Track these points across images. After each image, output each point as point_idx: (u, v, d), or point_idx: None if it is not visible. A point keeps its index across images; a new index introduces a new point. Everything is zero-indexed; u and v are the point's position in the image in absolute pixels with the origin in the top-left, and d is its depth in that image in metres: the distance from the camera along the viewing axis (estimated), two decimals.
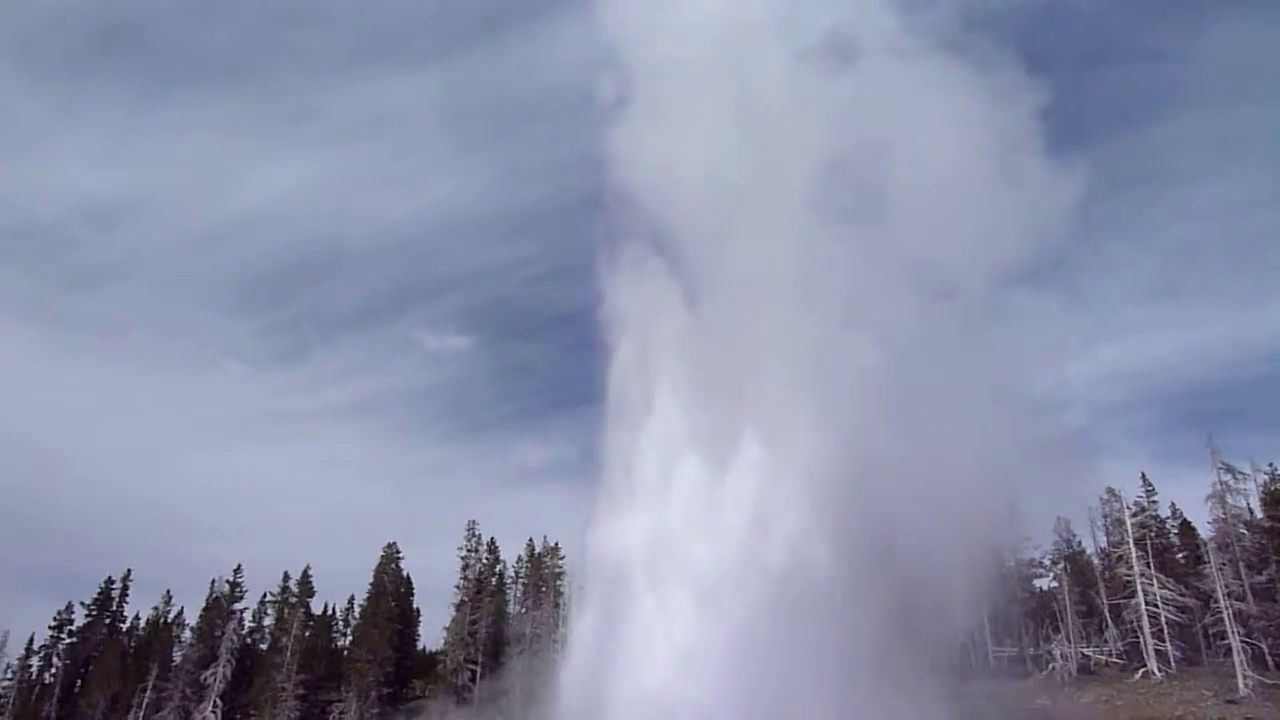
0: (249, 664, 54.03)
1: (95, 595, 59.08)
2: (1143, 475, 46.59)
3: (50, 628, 57.47)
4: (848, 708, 20.01)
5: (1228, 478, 42.05)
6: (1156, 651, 38.64)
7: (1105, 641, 42.44)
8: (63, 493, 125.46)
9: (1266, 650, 37.69)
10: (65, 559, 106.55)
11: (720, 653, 21.13)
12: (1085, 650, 42.29)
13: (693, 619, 22.15)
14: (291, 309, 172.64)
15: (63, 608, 58.20)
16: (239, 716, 51.58)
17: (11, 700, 51.03)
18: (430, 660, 55.28)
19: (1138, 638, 39.71)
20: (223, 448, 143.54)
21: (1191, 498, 46.39)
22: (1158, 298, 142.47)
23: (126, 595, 59.91)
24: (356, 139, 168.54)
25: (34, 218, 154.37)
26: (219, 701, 49.30)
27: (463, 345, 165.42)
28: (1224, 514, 42.03)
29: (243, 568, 56.57)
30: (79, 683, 56.28)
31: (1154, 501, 46.18)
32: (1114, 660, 40.91)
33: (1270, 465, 41.78)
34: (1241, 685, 34.20)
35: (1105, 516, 46.32)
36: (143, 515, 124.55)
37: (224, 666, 50.30)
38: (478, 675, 50.22)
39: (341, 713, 48.84)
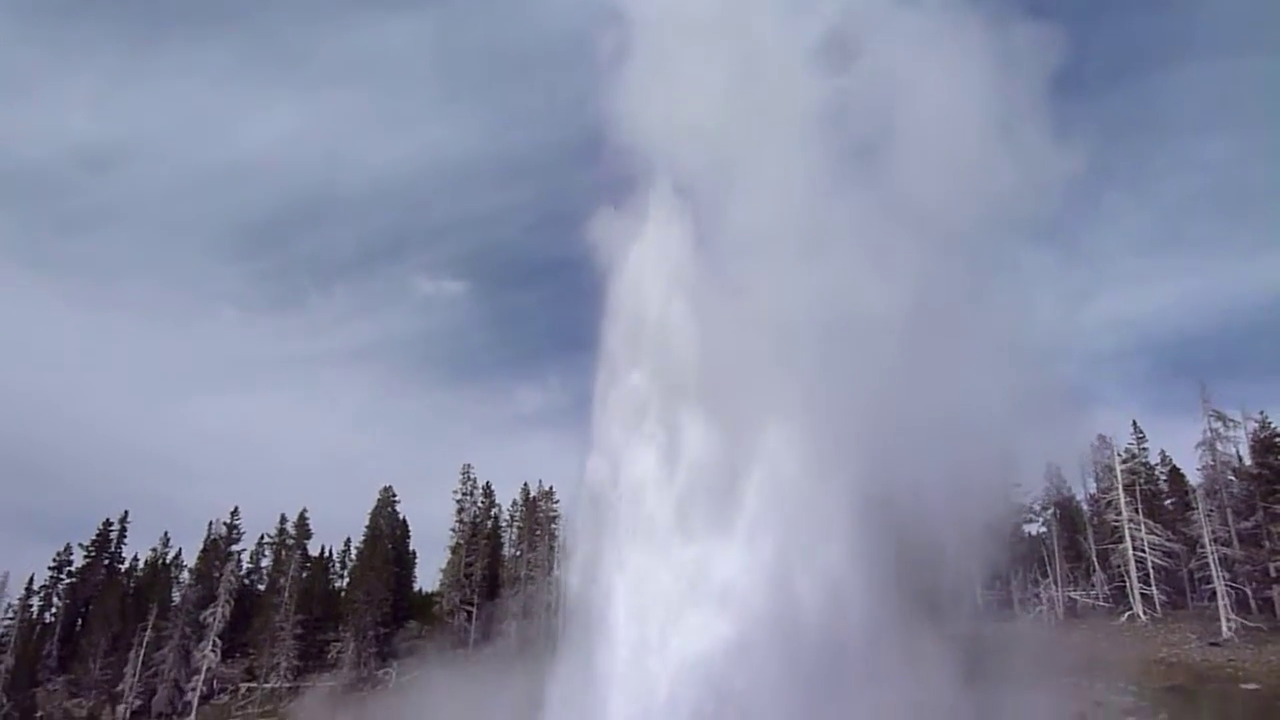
0: (247, 604, 54.70)
1: (93, 537, 59.61)
2: (1134, 423, 47.04)
3: (50, 568, 58.14)
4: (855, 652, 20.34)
5: (1218, 425, 42.34)
6: (1142, 595, 39.28)
7: (1092, 585, 43.13)
8: (59, 438, 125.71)
9: (1250, 594, 38.37)
10: (62, 504, 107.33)
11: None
12: (1072, 594, 43.00)
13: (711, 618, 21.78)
14: (286, 255, 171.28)
15: (61, 549, 58.85)
16: (238, 655, 52.37)
17: (13, 639, 51.67)
18: (427, 601, 56.05)
19: (1124, 582, 40.35)
20: (219, 394, 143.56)
21: (1182, 446, 46.67)
22: (1157, 249, 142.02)
23: (125, 537, 60.50)
24: (349, 83, 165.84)
25: (26, 161, 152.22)
26: (218, 640, 49.97)
27: (458, 291, 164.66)
28: (1213, 461, 42.42)
29: (239, 510, 57.13)
30: (80, 622, 57.01)
31: (1144, 449, 46.68)
32: (1100, 604, 41.62)
33: (1261, 413, 42.00)
34: (1225, 628, 34.84)
35: (1095, 463, 46.72)
36: (139, 461, 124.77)
37: (223, 607, 50.87)
38: (474, 616, 50.93)
39: (339, 652, 49.58)
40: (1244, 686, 28.81)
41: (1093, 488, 47.61)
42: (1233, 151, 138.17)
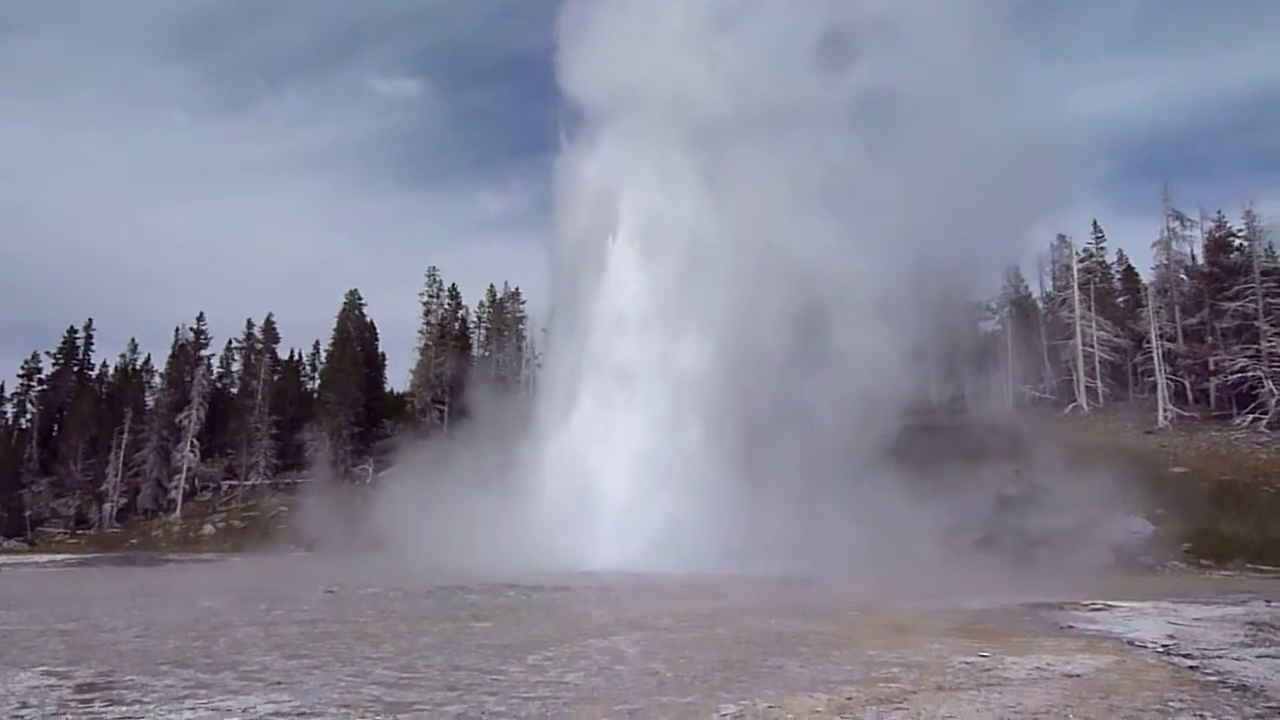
0: (221, 407, 55.64)
1: (60, 345, 59.59)
2: (1094, 223, 47.48)
3: (19, 376, 58.36)
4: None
5: (1175, 225, 43.03)
6: (1087, 388, 41.06)
7: (1041, 380, 44.92)
8: (14, 248, 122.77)
9: (1189, 386, 40.26)
10: (23, 314, 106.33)
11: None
12: (1022, 387, 44.81)
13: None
14: (231, 53, 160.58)
15: (29, 357, 58.87)
16: (217, 455, 53.79)
17: None
18: (399, 401, 57.23)
19: (1072, 376, 42.05)
20: (174, 200, 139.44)
21: (1141, 246, 47.45)
22: (1135, 43, 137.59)
23: (91, 345, 60.52)
24: None
25: None
26: (196, 441, 51.15)
27: (414, 90, 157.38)
28: (1167, 260, 43.33)
29: (205, 316, 56.99)
30: (55, 428, 57.87)
31: (1102, 248, 47.44)
32: (1048, 397, 43.52)
33: (1218, 213, 42.60)
34: (1161, 418, 36.78)
35: (1054, 262, 47.66)
36: (100, 270, 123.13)
37: (197, 409, 51.71)
38: (445, 415, 52.23)
39: (316, 450, 51.04)
40: (1173, 470, 30.77)
41: (1049, 286, 48.76)
42: None
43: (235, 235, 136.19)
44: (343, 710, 5.07)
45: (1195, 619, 10.80)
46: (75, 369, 59.67)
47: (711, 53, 27.43)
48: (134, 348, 59.80)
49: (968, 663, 7.00)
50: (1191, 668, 7.01)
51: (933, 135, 27.22)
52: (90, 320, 60.55)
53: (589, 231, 28.09)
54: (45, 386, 58.79)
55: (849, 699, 5.49)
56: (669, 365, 26.19)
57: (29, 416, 58.50)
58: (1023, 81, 32.14)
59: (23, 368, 58.52)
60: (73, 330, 59.84)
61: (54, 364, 59.25)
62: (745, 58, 27.07)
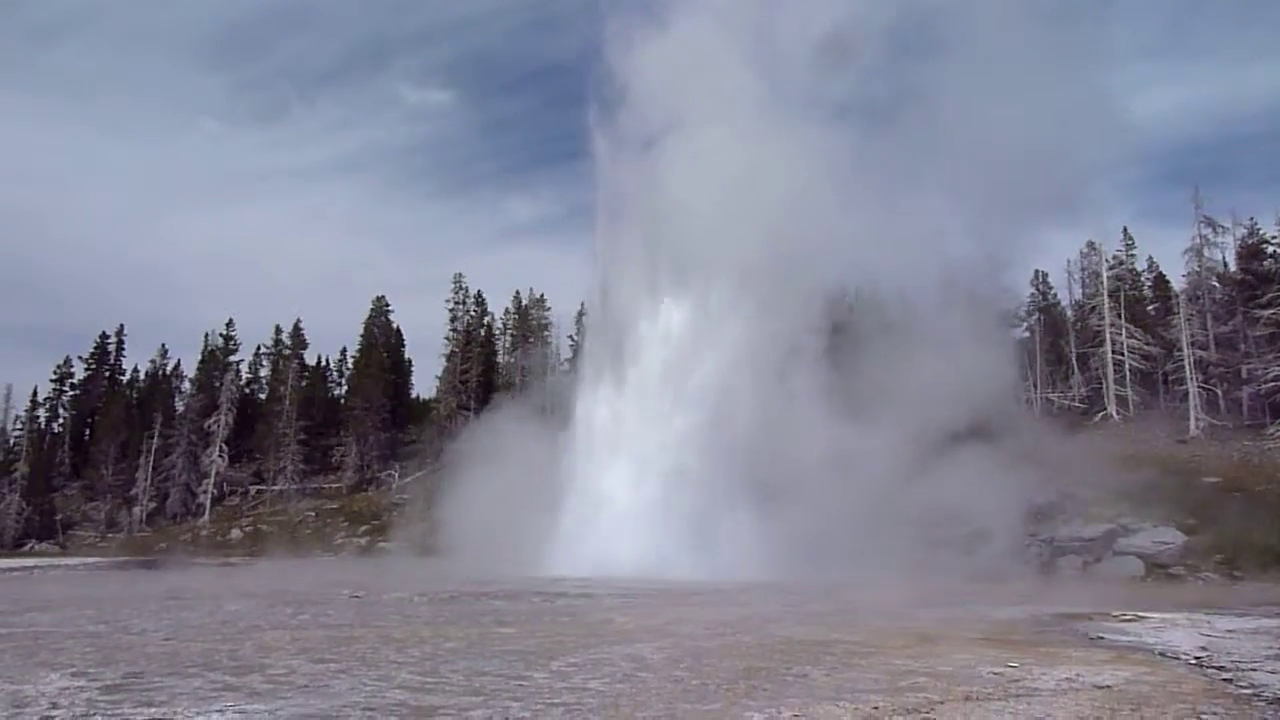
0: (250, 413, 56.17)
1: (92, 350, 60.47)
2: (1124, 229, 46.94)
3: (51, 381, 59.18)
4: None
5: (1207, 231, 42.38)
6: (1117, 396, 40.51)
7: (1070, 388, 44.39)
8: (48, 255, 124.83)
9: (1221, 395, 39.61)
10: (56, 319, 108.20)
11: None
12: (1050, 395, 44.32)
13: None
14: (265, 64, 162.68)
15: (61, 362, 59.74)
16: (245, 460, 54.29)
17: (25, 449, 53.29)
18: (425, 407, 57.60)
19: (1101, 384, 41.51)
20: (206, 207, 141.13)
21: (1171, 254, 46.97)
22: (1164, 53, 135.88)
23: (122, 350, 61.36)
24: None
25: None
26: (224, 446, 51.66)
27: (445, 100, 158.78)
28: (1199, 267, 42.70)
29: (234, 322, 57.60)
30: (87, 432, 58.68)
31: (1132, 255, 46.82)
32: (1077, 405, 42.99)
33: (1251, 219, 41.95)
34: (1193, 427, 36.20)
35: (1083, 269, 47.12)
36: (131, 276, 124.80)
37: (225, 415, 52.24)
38: (471, 420, 52.45)
39: (343, 455, 51.42)
40: (1205, 480, 30.23)
41: (1079, 294, 48.23)
42: None
43: (264, 241, 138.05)
44: (368, 714, 5.09)
45: (1228, 630, 10.61)
46: (107, 374, 60.52)
47: (751, 56, 27.63)
48: (164, 353, 60.57)
49: (996, 673, 6.92)
50: (1225, 680, 6.89)
51: (964, 139, 27.10)
52: (122, 326, 61.60)
53: (637, 252, 28.15)
54: (77, 391, 59.66)
55: (875, 708, 5.44)
56: (706, 374, 26.13)
57: (61, 421, 59.37)
58: (1054, 87, 31.70)
59: (55, 372, 59.43)
60: (104, 336, 60.83)
61: (86, 369, 60.15)
62: (780, 61, 27.16)
